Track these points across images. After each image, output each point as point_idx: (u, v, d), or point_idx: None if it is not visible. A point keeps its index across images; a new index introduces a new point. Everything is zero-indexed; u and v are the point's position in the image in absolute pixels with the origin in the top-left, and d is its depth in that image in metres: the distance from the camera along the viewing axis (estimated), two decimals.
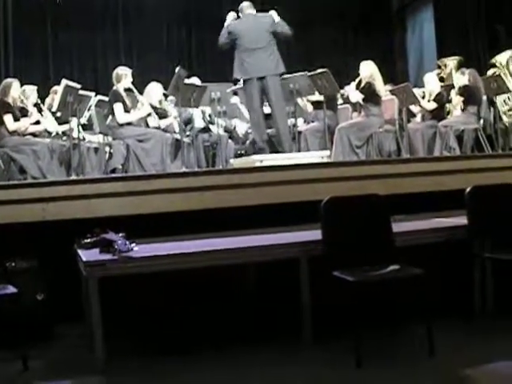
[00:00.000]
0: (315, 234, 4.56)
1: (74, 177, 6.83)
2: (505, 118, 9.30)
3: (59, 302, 5.16)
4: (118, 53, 11.80)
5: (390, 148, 8.24)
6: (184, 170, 7.23)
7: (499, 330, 4.61)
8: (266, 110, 7.75)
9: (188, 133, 8.32)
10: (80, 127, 7.38)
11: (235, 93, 8.61)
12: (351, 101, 8.48)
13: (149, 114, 7.89)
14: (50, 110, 7.87)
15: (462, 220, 5.00)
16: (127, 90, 7.73)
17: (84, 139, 7.64)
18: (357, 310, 4.10)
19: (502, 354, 4.04)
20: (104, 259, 4.41)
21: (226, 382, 4.07)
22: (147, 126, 7.95)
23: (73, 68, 11.51)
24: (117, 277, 4.47)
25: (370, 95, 8.04)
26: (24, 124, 7.29)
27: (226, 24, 7.54)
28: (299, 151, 7.75)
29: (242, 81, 7.59)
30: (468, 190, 4.96)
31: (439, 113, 8.58)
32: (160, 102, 8.30)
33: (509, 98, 9.43)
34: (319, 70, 8.09)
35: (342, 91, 8.65)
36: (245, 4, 7.59)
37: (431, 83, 8.88)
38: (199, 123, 8.58)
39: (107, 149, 7.86)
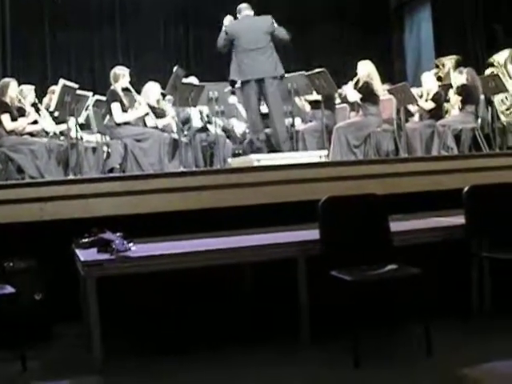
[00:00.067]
0: (313, 234, 4.56)
1: (71, 176, 6.83)
2: (502, 118, 9.31)
3: (57, 302, 5.16)
4: (115, 52, 11.77)
5: (387, 147, 8.23)
6: (182, 169, 7.23)
7: (497, 329, 4.61)
8: (264, 109, 7.74)
9: (186, 132, 8.31)
10: (78, 127, 7.38)
11: (233, 92, 8.61)
12: (349, 100, 8.48)
13: (146, 114, 7.89)
14: (47, 109, 7.86)
15: (460, 219, 5.00)
16: (125, 89, 7.72)
17: (82, 139, 7.63)
18: (354, 310, 4.10)
19: (499, 353, 4.04)
20: (102, 259, 4.41)
21: (223, 381, 4.07)
22: (145, 125, 7.95)
23: (70, 68, 11.49)
24: (114, 277, 4.46)
25: (368, 95, 8.04)
26: (22, 124, 7.28)
27: (223, 27, 7.52)
28: (297, 151, 7.75)
29: (239, 82, 7.57)
30: (466, 189, 4.97)
31: (437, 112, 8.58)
32: (158, 101, 8.29)
33: (506, 98, 9.43)
34: (317, 70, 8.09)
35: (339, 91, 8.65)
36: (243, 5, 7.58)
37: (429, 82, 8.88)
38: (197, 123, 8.58)
39: (105, 148, 7.86)
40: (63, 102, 7.09)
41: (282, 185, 6.05)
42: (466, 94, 8.44)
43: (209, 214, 5.68)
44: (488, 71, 9.67)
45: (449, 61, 10.48)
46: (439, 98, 8.62)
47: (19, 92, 7.55)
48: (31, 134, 7.41)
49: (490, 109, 8.85)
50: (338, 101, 8.96)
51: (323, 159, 7.20)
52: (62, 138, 7.68)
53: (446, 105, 9.04)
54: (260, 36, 7.36)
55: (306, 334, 4.62)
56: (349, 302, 4.10)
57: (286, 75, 7.76)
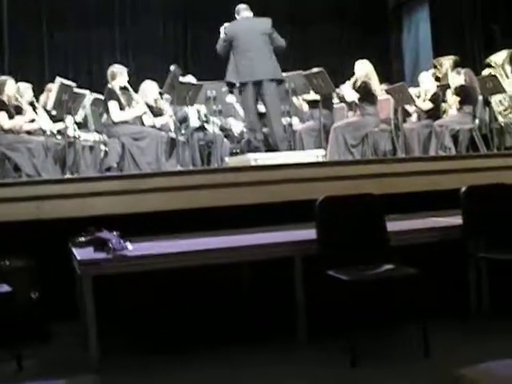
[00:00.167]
0: (310, 233, 4.55)
1: (68, 175, 6.81)
2: (500, 118, 9.30)
3: (54, 301, 5.14)
4: (113, 52, 11.75)
5: (385, 147, 8.23)
6: (179, 168, 7.23)
7: (495, 329, 4.61)
8: (261, 108, 7.73)
9: (183, 131, 8.30)
10: (75, 125, 7.37)
11: (231, 91, 8.59)
12: (347, 100, 8.48)
13: (144, 113, 7.87)
14: (44, 108, 7.84)
15: (457, 220, 5.00)
16: (122, 88, 7.71)
17: (79, 137, 7.62)
18: (351, 310, 4.10)
19: (497, 353, 4.02)
20: (98, 258, 4.40)
21: (219, 380, 4.07)
22: (142, 124, 7.94)
23: (68, 66, 11.45)
24: (111, 275, 4.46)
25: (366, 94, 8.04)
26: (19, 122, 7.27)
27: (221, 32, 7.49)
28: (294, 150, 7.75)
29: (237, 83, 7.54)
30: (463, 189, 4.97)
31: (435, 112, 8.58)
32: (156, 100, 8.28)
33: (504, 98, 9.43)
34: (315, 69, 8.09)
35: (337, 90, 8.64)
36: (242, 6, 7.55)
37: (426, 83, 8.89)
38: (194, 122, 8.57)
39: (102, 147, 7.85)
40: (61, 100, 7.09)
41: (280, 184, 6.05)
42: (464, 95, 8.44)
43: (206, 213, 5.67)
44: (486, 72, 9.66)
45: (447, 61, 10.47)
46: (437, 99, 8.63)
47: (16, 90, 7.54)
48: (28, 133, 7.39)
49: (487, 109, 8.85)
50: (335, 100, 8.95)
51: (321, 159, 7.20)
52: (58, 136, 7.67)
53: (443, 105, 9.04)
54: (258, 37, 7.34)
55: (302, 334, 4.62)
56: (346, 301, 4.10)
57: (284, 74, 7.75)
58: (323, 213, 4.51)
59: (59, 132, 7.70)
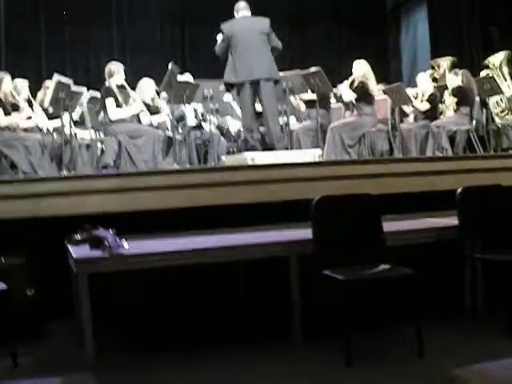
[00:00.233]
0: (306, 233, 4.55)
1: (65, 173, 6.80)
2: (497, 120, 9.31)
3: (49, 299, 5.14)
4: (111, 51, 11.73)
5: (382, 148, 8.23)
6: (176, 167, 7.22)
7: (489, 330, 4.62)
8: (258, 107, 7.73)
9: (180, 130, 8.30)
10: (72, 123, 7.35)
11: (228, 90, 8.58)
12: (344, 100, 8.48)
13: (141, 111, 7.86)
14: (41, 105, 7.83)
15: (453, 220, 5.01)
16: (120, 86, 7.70)
17: (76, 135, 7.60)
18: (347, 310, 4.10)
19: (491, 354, 4.04)
20: (94, 256, 4.40)
21: (214, 379, 4.06)
22: (139, 122, 7.93)
23: (65, 64, 11.43)
24: (107, 273, 4.46)
25: (363, 94, 8.05)
26: (15, 119, 7.25)
27: (219, 33, 7.47)
28: (291, 149, 7.74)
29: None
30: (459, 190, 4.98)
31: (432, 113, 8.60)
32: (153, 99, 8.27)
33: (501, 100, 9.44)
34: (312, 69, 8.09)
35: (335, 90, 8.64)
36: (241, 5, 7.53)
37: (424, 83, 8.90)
38: (191, 121, 8.56)
39: (99, 145, 7.83)
40: (57, 98, 7.07)
41: (276, 183, 6.05)
42: (461, 96, 8.46)
43: (202, 212, 5.66)
44: (483, 73, 9.68)
45: (444, 62, 10.48)
46: (434, 99, 8.64)
47: (13, 87, 7.52)
48: (25, 130, 7.38)
49: (484, 111, 8.86)
50: (333, 100, 8.95)
51: (317, 158, 7.19)
52: (55, 134, 7.66)
53: (440, 106, 9.06)
54: (256, 37, 7.32)
55: (298, 333, 4.62)
56: (341, 301, 4.10)
57: (282, 74, 7.74)
58: (319, 212, 4.51)
59: (56, 129, 7.69)
